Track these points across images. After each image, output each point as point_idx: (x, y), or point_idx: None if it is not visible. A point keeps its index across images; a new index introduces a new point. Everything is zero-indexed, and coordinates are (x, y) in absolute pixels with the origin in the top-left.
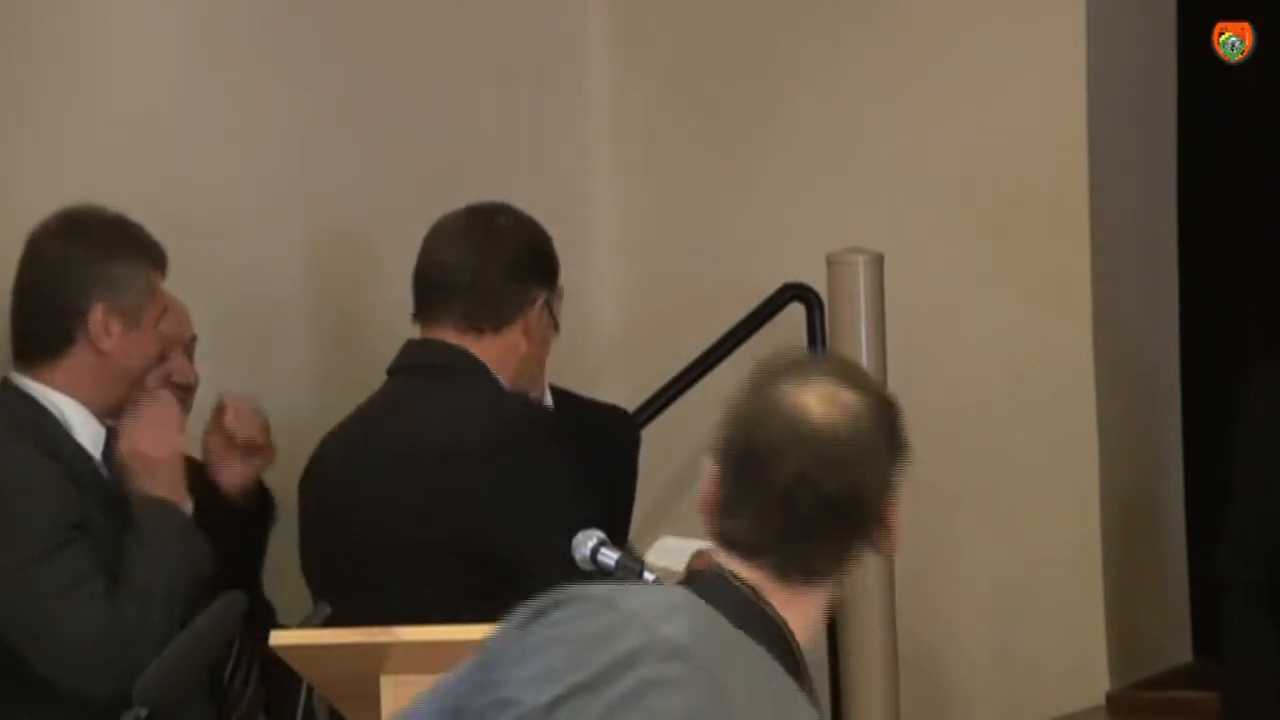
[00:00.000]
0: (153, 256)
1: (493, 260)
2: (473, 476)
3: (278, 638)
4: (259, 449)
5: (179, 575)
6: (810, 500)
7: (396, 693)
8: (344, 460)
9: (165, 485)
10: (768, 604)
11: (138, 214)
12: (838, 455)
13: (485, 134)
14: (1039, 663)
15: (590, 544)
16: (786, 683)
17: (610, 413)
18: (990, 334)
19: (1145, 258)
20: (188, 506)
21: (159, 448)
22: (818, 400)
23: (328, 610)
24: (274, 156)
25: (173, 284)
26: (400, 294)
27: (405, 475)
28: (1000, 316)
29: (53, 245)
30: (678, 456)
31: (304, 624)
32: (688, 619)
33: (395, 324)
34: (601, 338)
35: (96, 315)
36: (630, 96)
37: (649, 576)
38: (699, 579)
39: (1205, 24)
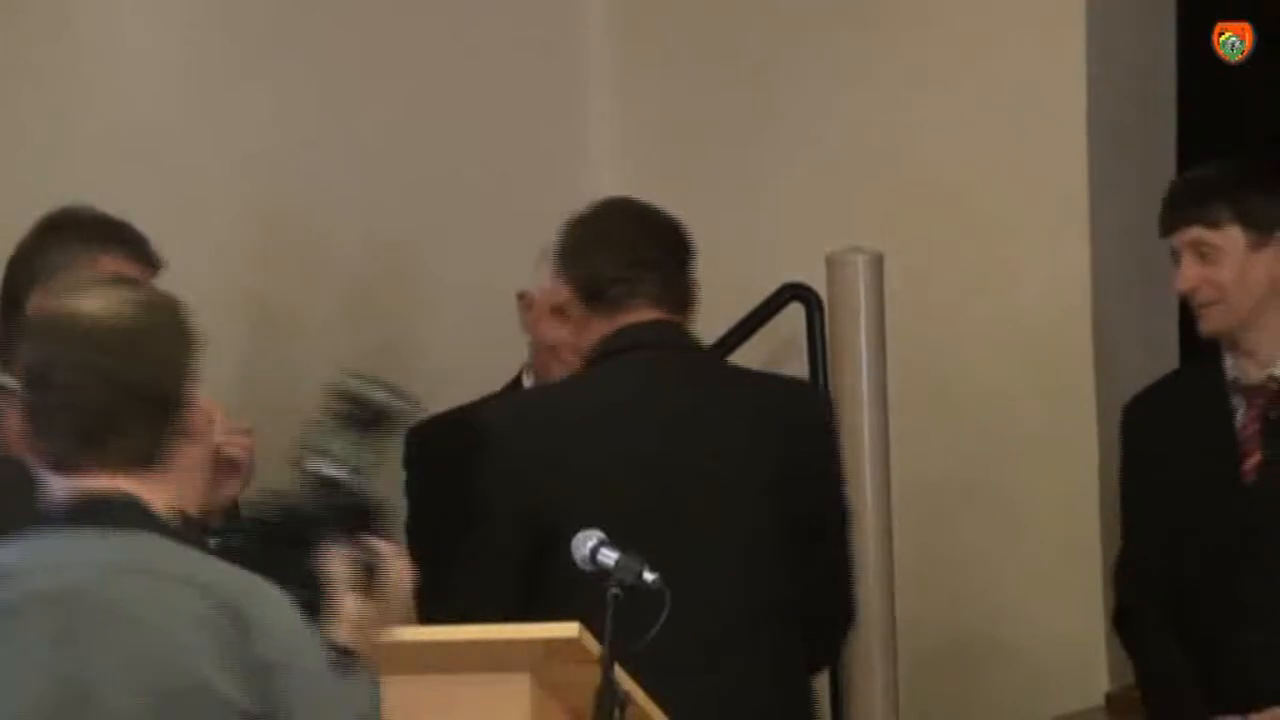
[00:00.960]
0: (92, 238)
1: (683, 246)
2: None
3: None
4: (239, 467)
5: None
6: (99, 391)
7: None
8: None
9: None
10: (128, 496)
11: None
12: (120, 344)
13: (483, 135)
14: (1039, 663)
15: (590, 543)
16: (167, 555)
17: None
18: (990, 333)
19: (1145, 256)
20: None
21: None
22: (92, 302)
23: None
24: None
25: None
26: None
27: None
28: (1000, 316)
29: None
30: None
31: None
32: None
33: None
34: None
35: (33, 302)
36: (629, 96)
37: (649, 577)
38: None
39: (1205, 24)
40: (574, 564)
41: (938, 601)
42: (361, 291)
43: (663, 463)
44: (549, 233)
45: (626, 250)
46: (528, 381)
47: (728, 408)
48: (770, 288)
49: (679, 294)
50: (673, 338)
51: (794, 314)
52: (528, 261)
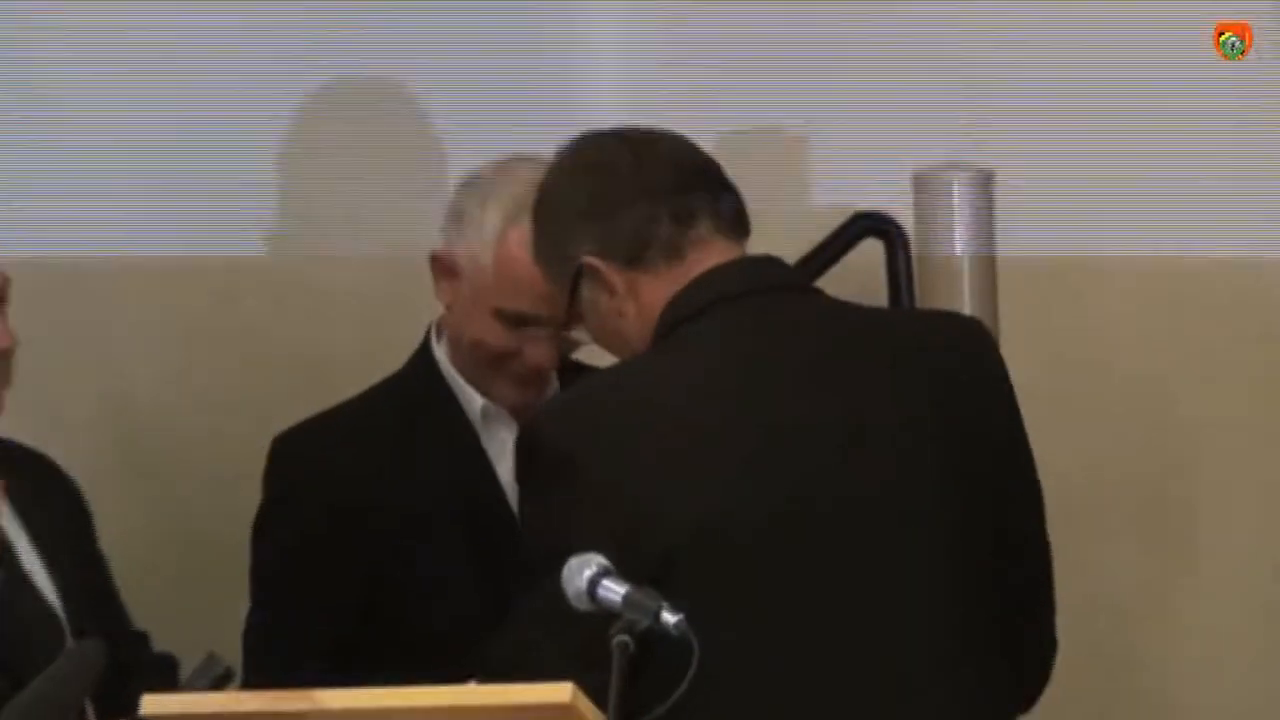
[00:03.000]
0: None
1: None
2: None
3: (150, 705)
4: None
5: None
6: None
7: None
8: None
9: None
10: None
11: None
12: None
13: None
14: None
15: (587, 573)
16: None
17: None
18: (1152, 283)
19: None
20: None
21: None
22: None
23: (223, 665)
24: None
25: None
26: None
27: None
28: (1168, 256)
29: None
30: None
31: (188, 684)
32: None
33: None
34: None
35: None
36: None
37: (669, 618)
38: None
39: None
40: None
41: (1071, 648)
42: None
43: (811, 463)
44: None
45: (656, 176)
46: (438, 344)
47: (888, 370)
48: (837, 218)
49: (741, 215)
50: (776, 275)
51: (869, 252)
52: None
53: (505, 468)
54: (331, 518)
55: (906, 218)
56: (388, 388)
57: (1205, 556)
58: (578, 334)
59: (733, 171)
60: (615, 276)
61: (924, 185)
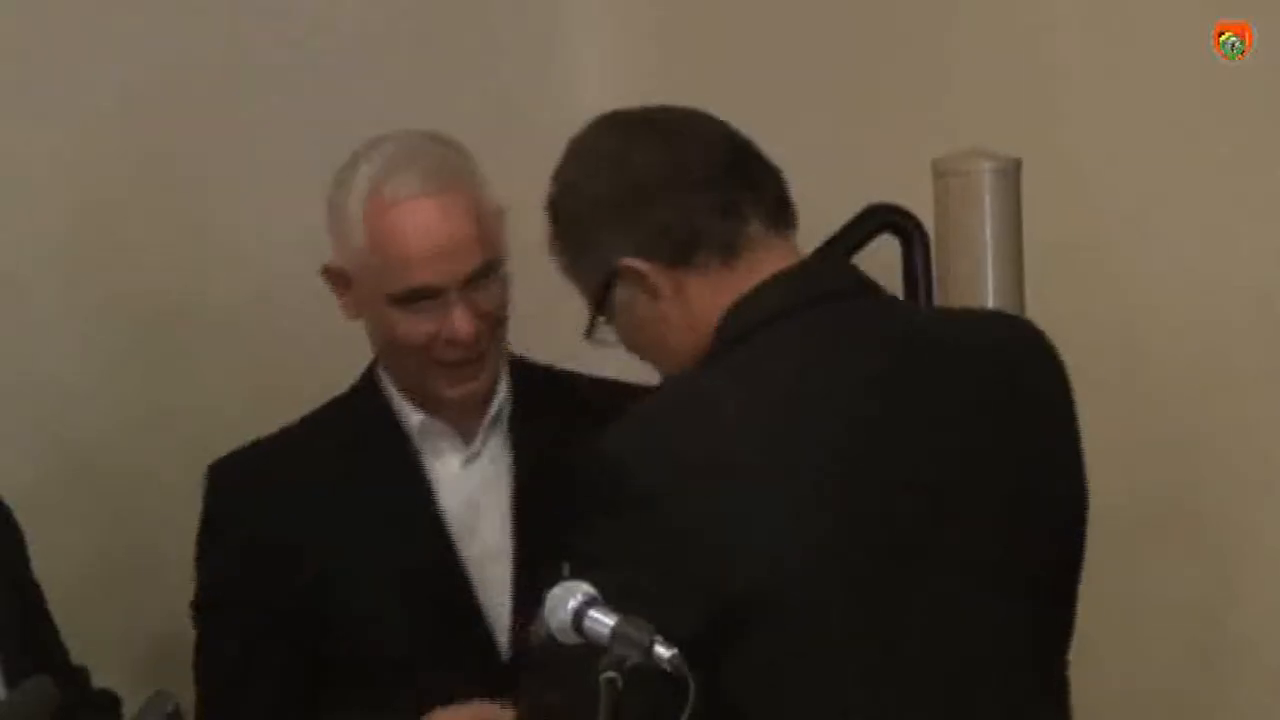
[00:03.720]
0: None
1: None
2: None
3: None
4: None
5: None
6: None
7: None
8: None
9: None
10: None
11: None
12: None
13: None
14: None
15: (571, 604)
16: None
17: None
18: (1191, 278)
19: None
20: None
21: None
22: None
23: (172, 702)
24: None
25: None
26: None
27: None
28: (1202, 241)
29: None
30: None
31: None
32: None
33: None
34: None
35: None
36: None
37: (663, 653)
38: None
39: None
40: (771, 666)
41: (1106, 679)
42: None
43: (902, 489)
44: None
45: (692, 162)
46: (385, 375)
47: (970, 385)
48: (850, 210)
49: (786, 203)
50: (847, 280)
51: (884, 250)
52: None
53: (447, 490)
54: (262, 550)
55: (925, 210)
56: (331, 412)
57: (1244, 557)
58: (601, 338)
59: None
60: (660, 278)
61: (945, 174)
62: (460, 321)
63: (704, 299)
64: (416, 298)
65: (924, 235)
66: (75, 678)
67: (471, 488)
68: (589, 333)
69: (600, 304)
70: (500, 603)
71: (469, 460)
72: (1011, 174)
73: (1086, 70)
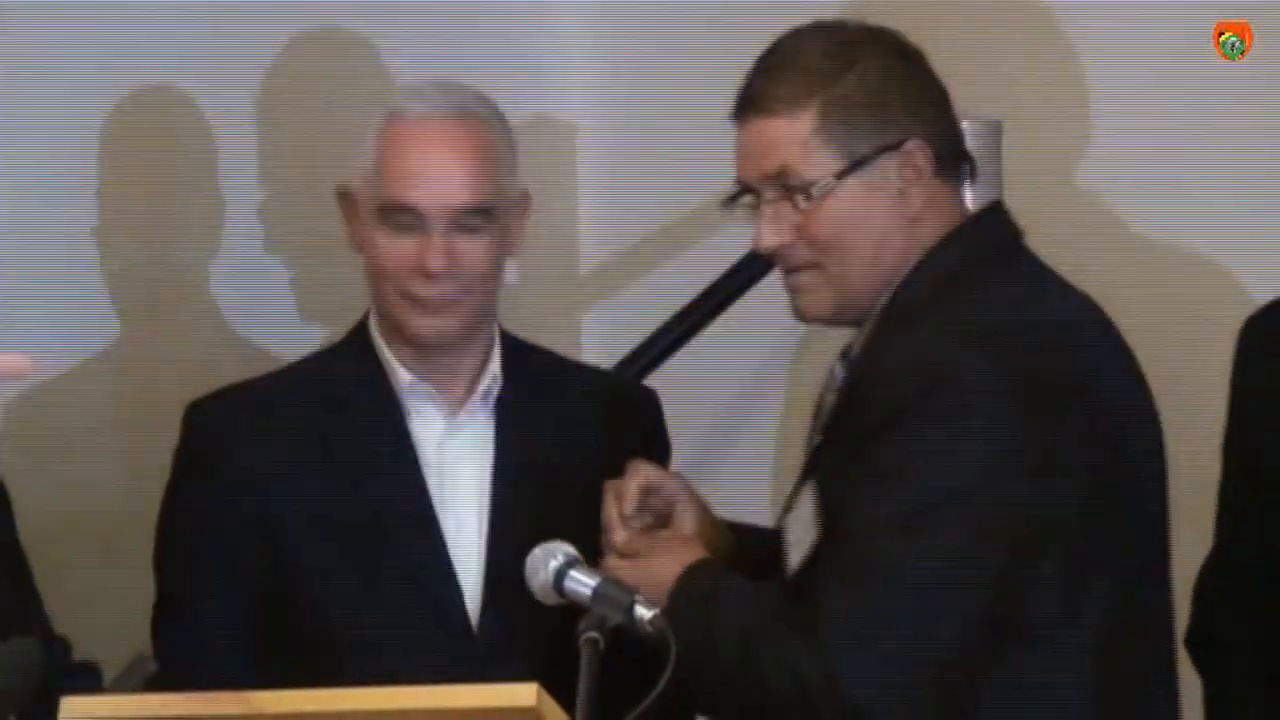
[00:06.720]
0: None
1: None
2: None
3: (73, 707)
4: None
5: None
6: None
7: None
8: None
9: None
10: None
11: None
12: None
13: None
14: None
15: (553, 564)
16: None
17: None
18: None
19: None
20: None
21: None
22: None
23: (151, 665)
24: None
25: None
26: None
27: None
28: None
29: None
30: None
31: (115, 686)
32: None
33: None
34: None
35: None
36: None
37: (644, 613)
38: None
39: None
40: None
41: None
42: None
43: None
44: None
45: (929, 75)
46: (374, 317)
47: (1117, 338)
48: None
49: None
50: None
51: None
52: None
53: (425, 455)
54: (239, 493)
55: None
56: (317, 361)
57: None
58: (772, 230)
59: (716, 129)
60: (928, 169)
61: None
62: (434, 253)
63: (941, 213)
64: (401, 213)
65: None
66: (57, 649)
67: (450, 459)
68: (787, 195)
69: (843, 173)
70: (467, 573)
71: (452, 431)
72: (991, 136)
73: (1086, 69)
